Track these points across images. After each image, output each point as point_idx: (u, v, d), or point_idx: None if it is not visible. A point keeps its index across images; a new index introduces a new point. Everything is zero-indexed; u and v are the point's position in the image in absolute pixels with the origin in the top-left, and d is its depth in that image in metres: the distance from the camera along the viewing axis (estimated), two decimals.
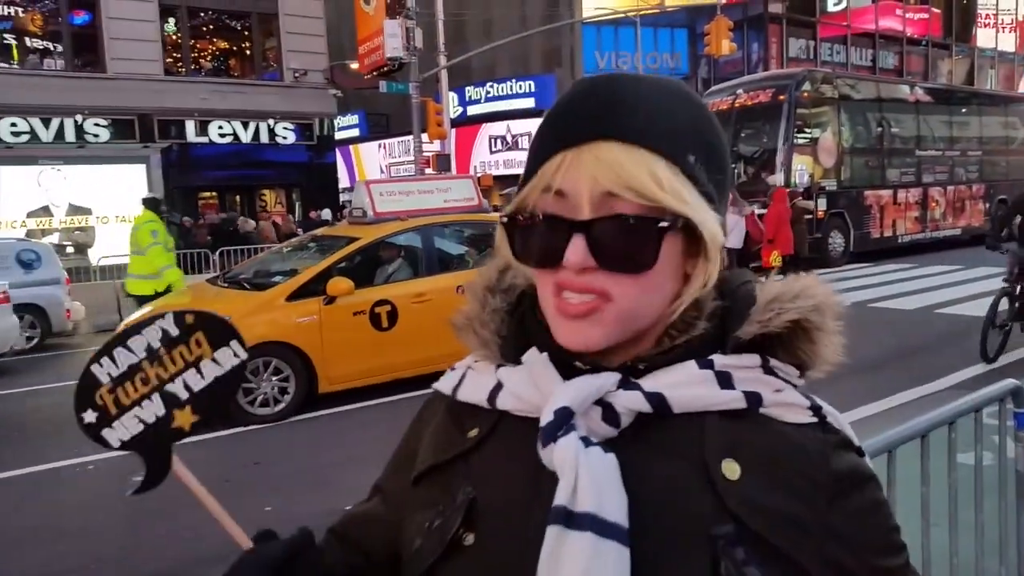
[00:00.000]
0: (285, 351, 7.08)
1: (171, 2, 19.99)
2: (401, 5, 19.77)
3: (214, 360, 0.91)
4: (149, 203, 9.88)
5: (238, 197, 22.39)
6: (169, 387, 0.90)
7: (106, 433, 0.88)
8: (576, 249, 0.71)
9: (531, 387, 0.77)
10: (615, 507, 0.67)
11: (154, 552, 4.41)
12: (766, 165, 16.17)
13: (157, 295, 9.13)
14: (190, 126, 20.21)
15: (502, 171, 27.67)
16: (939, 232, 19.34)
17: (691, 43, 31.70)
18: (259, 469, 5.81)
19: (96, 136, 18.81)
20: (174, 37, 20.34)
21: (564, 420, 0.71)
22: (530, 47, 30.41)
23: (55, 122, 18.30)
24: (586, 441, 0.70)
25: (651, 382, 0.74)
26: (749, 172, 16.32)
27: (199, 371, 0.91)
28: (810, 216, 15.40)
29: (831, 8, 32.65)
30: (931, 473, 2.08)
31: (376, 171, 33.83)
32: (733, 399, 0.73)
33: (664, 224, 0.71)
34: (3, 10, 18.07)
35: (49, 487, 5.61)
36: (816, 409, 0.77)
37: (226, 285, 8.20)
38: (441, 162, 20.83)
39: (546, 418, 0.72)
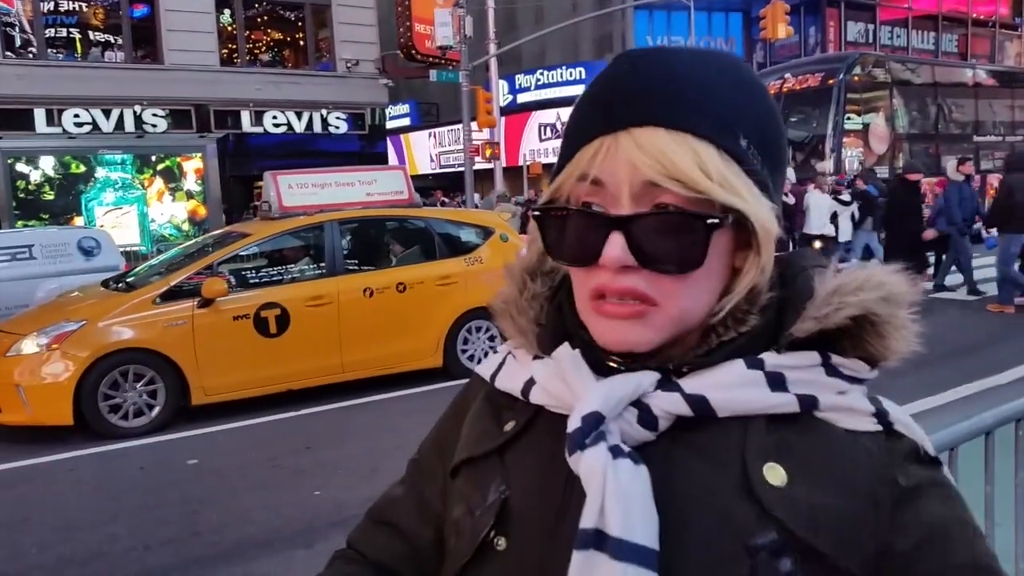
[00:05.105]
0: (152, 358, 6.46)
1: None
2: None
3: None
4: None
5: None
6: None
7: None
8: (614, 247, 0.64)
9: (562, 385, 0.71)
10: (644, 529, 0.61)
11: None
12: (815, 151, 15.80)
13: None
14: (245, 116, 20.54)
15: (552, 159, 27.55)
16: None
17: (746, 27, 31.14)
18: (310, 454, 5.89)
19: (154, 126, 19.23)
20: (229, 28, 20.66)
21: (592, 426, 0.65)
22: (581, 33, 30.18)
23: (115, 113, 18.75)
24: (616, 450, 0.64)
25: (693, 382, 0.67)
26: (798, 158, 15.97)
27: None
28: None
29: None
30: (996, 471, 2.00)
31: (426, 159, 34.04)
32: (783, 403, 0.66)
33: (713, 220, 0.64)
34: (68, 5, 18.56)
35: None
36: (881, 415, 0.68)
37: (116, 287, 7.31)
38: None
39: (573, 424, 0.66)
